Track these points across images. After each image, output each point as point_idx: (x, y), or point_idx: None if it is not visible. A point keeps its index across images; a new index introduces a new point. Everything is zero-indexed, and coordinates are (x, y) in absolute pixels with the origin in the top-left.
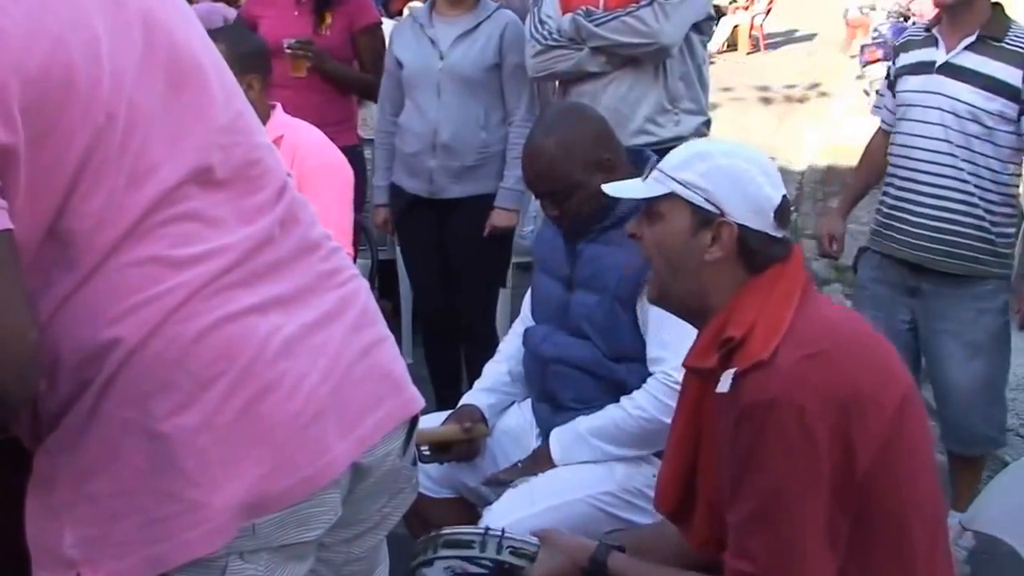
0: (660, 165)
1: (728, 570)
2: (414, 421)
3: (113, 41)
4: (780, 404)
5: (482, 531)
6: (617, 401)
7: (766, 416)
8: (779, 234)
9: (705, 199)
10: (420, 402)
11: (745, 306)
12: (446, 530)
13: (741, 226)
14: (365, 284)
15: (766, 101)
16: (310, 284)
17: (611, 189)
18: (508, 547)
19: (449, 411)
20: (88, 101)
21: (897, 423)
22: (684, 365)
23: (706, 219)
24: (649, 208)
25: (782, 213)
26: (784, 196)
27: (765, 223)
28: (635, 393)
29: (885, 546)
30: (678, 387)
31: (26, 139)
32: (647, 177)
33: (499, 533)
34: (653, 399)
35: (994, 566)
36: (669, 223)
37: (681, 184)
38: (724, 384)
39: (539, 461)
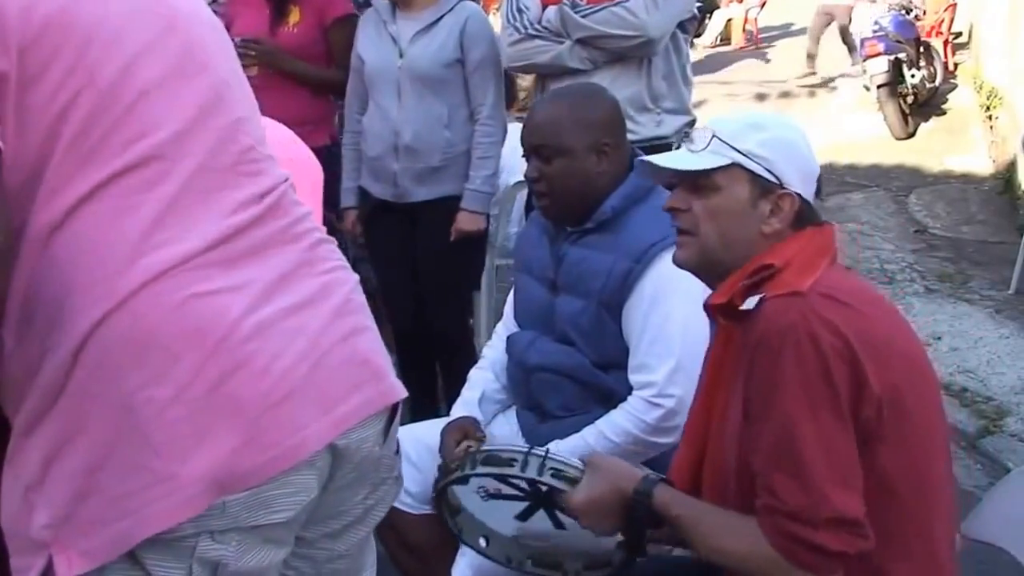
0: (715, 134)
1: (757, 511)
2: (394, 410)
3: (127, 21)
4: (798, 330)
5: (525, 450)
6: (604, 410)
7: (783, 343)
8: (815, 203)
9: (767, 169)
10: (401, 392)
11: (782, 249)
12: (485, 446)
13: (800, 196)
14: (354, 277)
15: (760, 96)
16: (292, 270)
17: (660, 159)
18: (550, 468)
19: (425, 420)
20: (78, 61)
21: (907, 381)
22: (708, 304)
23: (766, 189)
24: (701, 180)
25: (820, 182)
26: None
27: (810, 192)
28: (615, 414)
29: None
30: (661, 403)
31: (16, 76)
32: (703, 148)
33: (542, 453)
34: (635, 419)
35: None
36: (727, 194)
37: (743, 154)
38: (750, 303)
39: None
